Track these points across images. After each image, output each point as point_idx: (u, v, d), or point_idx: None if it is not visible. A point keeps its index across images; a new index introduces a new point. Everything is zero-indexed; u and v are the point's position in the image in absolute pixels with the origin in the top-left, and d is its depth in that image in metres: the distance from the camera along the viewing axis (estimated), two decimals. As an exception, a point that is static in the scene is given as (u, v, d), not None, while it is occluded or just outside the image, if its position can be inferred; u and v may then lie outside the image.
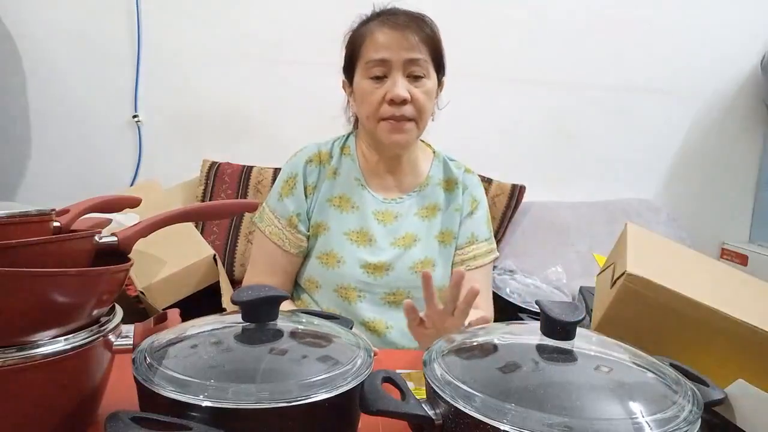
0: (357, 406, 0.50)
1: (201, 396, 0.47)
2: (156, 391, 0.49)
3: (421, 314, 0.87)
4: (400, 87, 1.03)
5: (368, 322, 1.10)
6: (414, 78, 1.05)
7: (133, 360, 0.53)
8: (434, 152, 1.22)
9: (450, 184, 1.19)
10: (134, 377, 0.51)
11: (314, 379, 0.50)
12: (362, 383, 0.51)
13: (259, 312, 0.58)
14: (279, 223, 1.13)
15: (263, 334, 0.57)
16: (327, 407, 0.50)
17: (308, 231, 1.14)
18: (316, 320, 0.63)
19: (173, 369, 0.51)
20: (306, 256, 1.16)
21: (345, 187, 1.15)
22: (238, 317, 0.58)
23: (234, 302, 0.58)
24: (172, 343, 0.57)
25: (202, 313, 0.71)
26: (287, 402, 0.48)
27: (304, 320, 0.62)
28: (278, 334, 0.58)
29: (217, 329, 0.60)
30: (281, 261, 1.13)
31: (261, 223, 1.15)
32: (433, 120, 1.12)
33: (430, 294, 0.84)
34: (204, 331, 0.59)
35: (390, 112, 1.04)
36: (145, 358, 0.53)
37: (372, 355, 0.57)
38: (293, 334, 0.58)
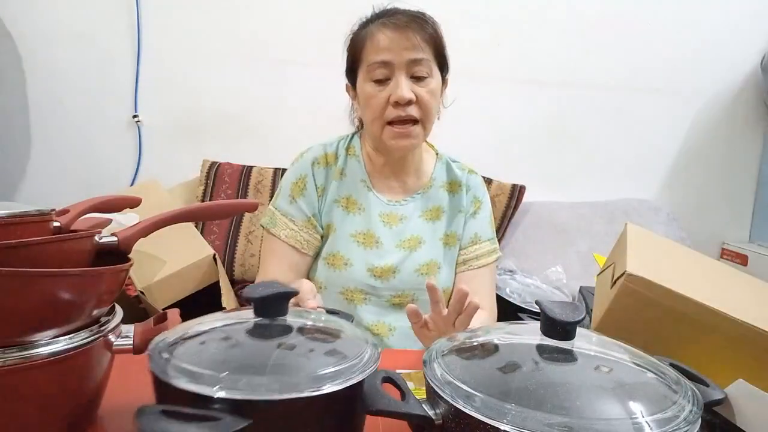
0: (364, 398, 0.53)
1: (215, 387, 0.48)
2: (173, 383, 0.49)
3: (426, 317, 0.87)
4: (404, 88, 1.01)
5: (371, 325, 1.09)
6: (418, 78, 1.03)
7: (149, 355, 0.54)
8: (437, 153, 1.22)
9: (453, 186, 1.18)
10: (151, 371, 0.52)
11: (324, 372, 0.51)
12: (364, 381, 0.52)
13: (271, 308, 0.59)
14: (295, 225, 1.11)
15: (275, 329, 0.59)
16: (336, 399, 0.51)
17: (322, 230, 1.14)
18: (323, 316, 0.66)
19: (189, 362, 0.51)
20: (317, 257, 1.15)
21: (351, 188, 1.14)
22: (250, 313, 0.60)
23: (247, 298, 0.59)
24: (186, 338, 0.58)
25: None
26: (298, 393, 0.49)
27: (312, 316, 0.64)
28: (289, 329, 0.59)
29: (230, 324, 0.61)
30: (297, 263, 1.11)
31: (274, 227, 1.12)
32: (438, 119, 1.11)
33: (435, 301, 0.84)
34: (217, 327, 0.60)
35: (395, 114, 1.03)
36: (161, 352, 0.54)
37: (379, 350, 0.58)
38: (303, 330, 0.60)
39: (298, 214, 1.12)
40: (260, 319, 0.59)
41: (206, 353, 0.55)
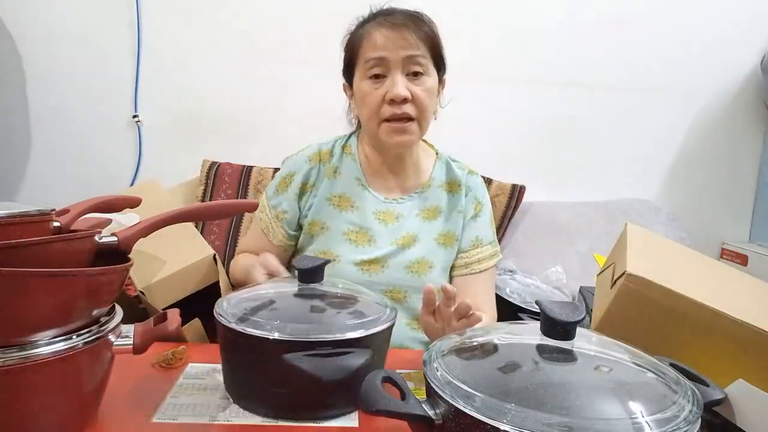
0: (384, 344, 0.75)
1: (273, 333, 0.66)
2: (241, 330, 0.67)
3: (438, 303, 0.87)
4: (400, 86, 1.02)
5: None
6: (414, 75, 1.04)
7: (218, 312, 0.71)
8: (437, 153, 1.22)
9: (453, 186, 1.18)
10: (221, 323, 0.70)
11: (355, 322, 0.70)
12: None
13: (313, 275, 0.78)
14: (269, 212, 1.16)
15: (315, 292, 0.78)
16: (362, 343, 0.68)
17: (294, 230, 1.16)
18: (348, 284, 0.83)
19: (252, 316, 0.69)
20: (296, 253, 1.18)
21: (345, 186, 1.15)
22: (295, 282, 0.79)
23: (295, 267, 0.79)
24: (248, 299, 0.75)
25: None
26: (333, 336, 0.66)
27: (341, 284, 0.82)
28: (326, 292, 0.78)
29: (281, 290, 0.81)
30: (266, 249, 1.15)
31: (257, 210, 1.17)
32: (435, 119, 1.12)
33: (448, 298, 0.85)
34: (271, 291, 0.81)
35: (391, 112, 1.04)
36: (228, 308, 0.72)
37: (396, 311, 0.75)
38: (337, 293, 0.79)
39: (276, 205, 1.16)
40: (303, 284, 0.78)
41: (265, 310, 0.72)
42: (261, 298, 0.77)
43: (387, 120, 1.05)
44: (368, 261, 1.10)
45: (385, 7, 1.10)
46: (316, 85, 1.82)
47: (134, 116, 1.87)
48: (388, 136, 1.06)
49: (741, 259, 1.97)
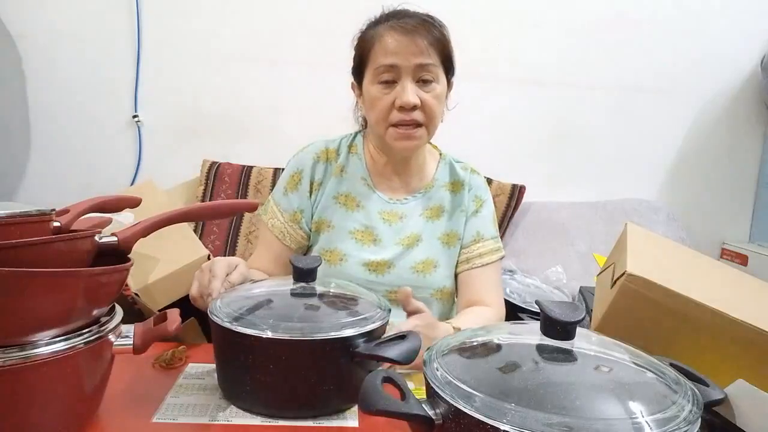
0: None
1: (266, 331, 0.67)
2: (233, 329, 0.68)
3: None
4: (410, 93, 1.02)
5: None
6: (423, 82, 1.04)
7: (211, 311, 0.72)
8: (440, 154, 1.22)
9: (456, 186, 1.19)
10: (215, 323, 0.70)
11: (347, 320, 0.71)
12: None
13: (306, 274, 0.79)
14: (282, 217, 1.14)
15: (310, 291, 0.79)
16: (353, 341, 0.69)
17: (310, 229, 1.15)
18: (340, 282, 0.86)
19: (246, 315, 0.71)
20: (307, 251, 1.16)
21: (351, 185, 1.15)
22: (289, 280, 0.80)
23: (292, 264, 0.79)
24: (241, 299, 0.76)
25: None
26: (326, 335, 0.68)
27: (334, 283, 0.85)
28: (320, 291, 0.80)
29: (275, 289, 0.83)
30: (281, 254, 1.13)
31: (265, 215, 1.15)
32: (442, 122, 1.12)
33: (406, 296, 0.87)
34: (265, 290, 0.82)
35: (399, 118, 1.04)
36: (222, 307, 0.73)
37: (389, 310, 0.76)
38: (331, 292, 0.82)
39: (287, 206, 1.14)
40: (297, 282, 0.79)
41: (258, 308, 0.74)
42: (254, 297, 0.77)
43: (395, 125, 1.05)
44: (375, 262, 1.10)
45: (398, 9, 1.09)
46: (316, 85, 1.82)
47: (134, 116, 1.87)
48: (394, 141, 1.06)
49: (741, 259, 1.97)
